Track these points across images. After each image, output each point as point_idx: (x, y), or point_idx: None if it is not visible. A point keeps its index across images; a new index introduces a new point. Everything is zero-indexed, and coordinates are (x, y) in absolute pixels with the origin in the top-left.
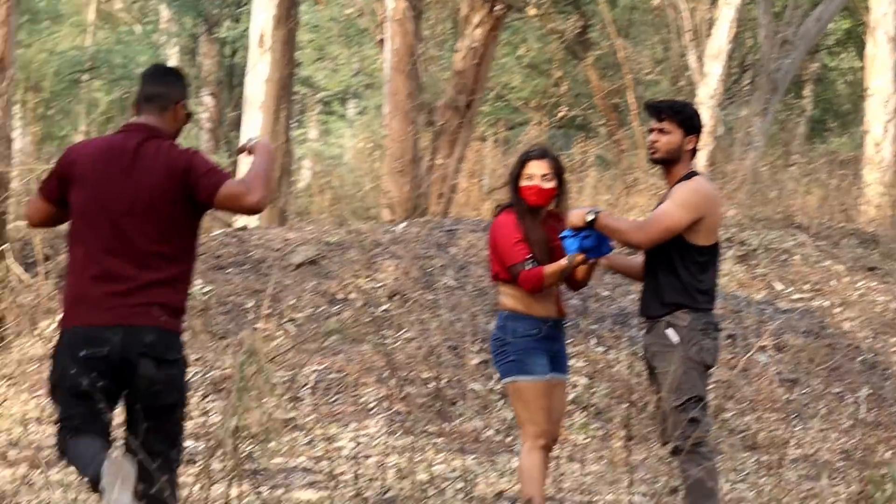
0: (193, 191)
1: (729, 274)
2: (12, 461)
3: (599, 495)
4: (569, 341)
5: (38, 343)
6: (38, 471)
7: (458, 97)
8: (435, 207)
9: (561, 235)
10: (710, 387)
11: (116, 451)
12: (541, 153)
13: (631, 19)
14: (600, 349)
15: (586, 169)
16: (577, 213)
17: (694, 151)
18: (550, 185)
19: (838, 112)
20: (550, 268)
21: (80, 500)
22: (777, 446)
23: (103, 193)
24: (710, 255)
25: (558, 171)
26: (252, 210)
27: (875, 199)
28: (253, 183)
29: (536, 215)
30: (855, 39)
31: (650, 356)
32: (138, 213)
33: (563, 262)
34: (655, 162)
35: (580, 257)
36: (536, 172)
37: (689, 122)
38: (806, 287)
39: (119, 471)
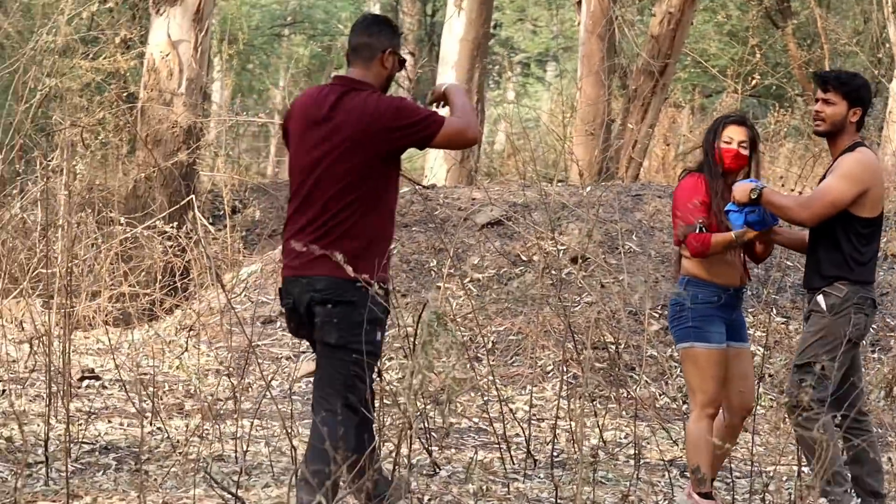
0: (407, 136)
1: None
2: (187, 412)
3: (771, 466)
4: (749, 310)
5: (221, 296)
6: (212, 423)
7: (653, 62)
8: (624, 172)
9: (725, 209)
10: (889, 358)
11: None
12: (741, 119)
13: None
14: (780, 319)
15: (781, 139)
16: (741, 189)
17: (860, 123)
18: (747, 152)
19: None
20: (719, 236)
21: (250, 452)
22: None
23: (301, 147)
24: (874, 226)
25: (753, 142)
26: (473, 142)
27: None
28: (469, 118)
29: (725, 180)
30: None
31: (805, 322)
32: (327, 165)
33: (731, 235)
34: (819, 134)
35: (750, 234)
36: (735, 137)
37: (854, 93)
38: None
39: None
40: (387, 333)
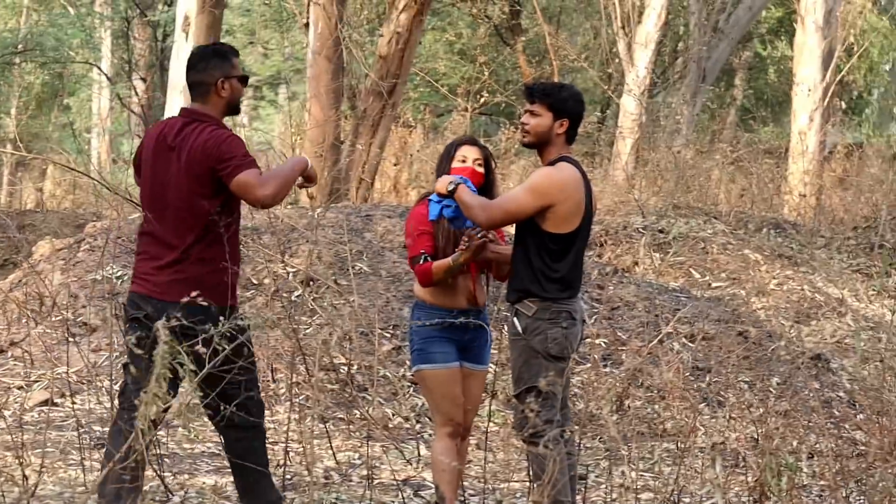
0: (221, 170)
1: (645, 262)
2: None
3: (504, 483)
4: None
5: None
6: None
7: (382, 82)
8: (354, 193)
9: (428, 198)
10: (620, 372)
11: None
12: (472, 140)
13: (562, 6)
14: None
15: (512, 156)
16: (443, 180)
17: (568, 135)
18: (482, 169)
19: (769, 101)
20: (439, 263)
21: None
22: (685, 434)
23: (149, 174)
24: (565, 243)
25: (487, 161)
26: (259, 203)
27: (798, 189)
28: (269, 179)
29: None
30: (787, 28)
31: (509, 343)
32: (169, 195)
33: (449, 260)
34: (525, 145)
35: (465, 256)
36: (469, 155)
37: (559, 104)
38: (723, 276)
39: None
40: (117, 360)
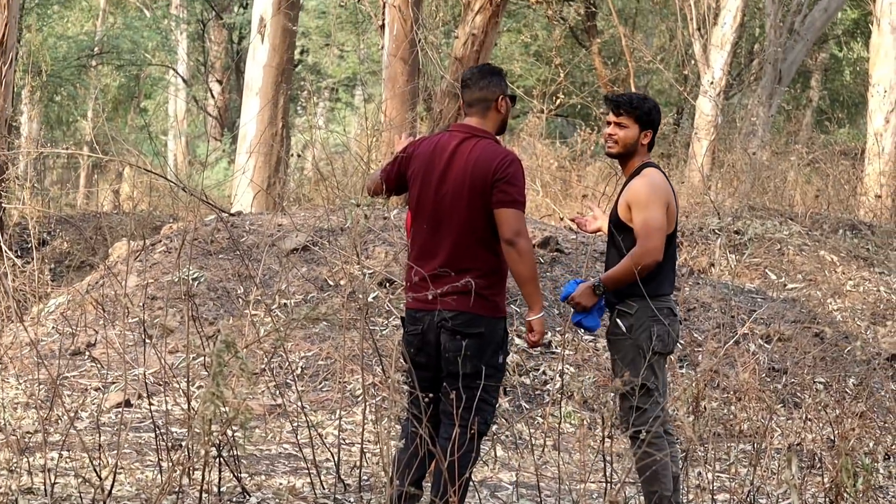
0: (498, 192)
1: (721, 263)
2: None
3: (580, 484)
4: (557, 329)
5: (30, 328)
6: (20, 455)
7: (457, 84)
8: None
9: (575, 322)
10: (696, 373)
11: None
12: None
13: (637, 7)
14: (588, 338)
15: (588, 157)
16: (584, 294)
17: (650, 144)
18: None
19: (845, 103)
20: None
21: (59, 483)
22: (761, 435)
23: (425, 187)
24: (668, 243)
25: None
26: (507, 242)
27: (873, 190)
28: (525, 243)
29: None
30: (863, 29)
31: (608, 344)
32: (450, 206)
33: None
34: (611, 155)
35: None
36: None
37: (646, 116)
38: (799, 277)
39: None
40: (195, 361)
